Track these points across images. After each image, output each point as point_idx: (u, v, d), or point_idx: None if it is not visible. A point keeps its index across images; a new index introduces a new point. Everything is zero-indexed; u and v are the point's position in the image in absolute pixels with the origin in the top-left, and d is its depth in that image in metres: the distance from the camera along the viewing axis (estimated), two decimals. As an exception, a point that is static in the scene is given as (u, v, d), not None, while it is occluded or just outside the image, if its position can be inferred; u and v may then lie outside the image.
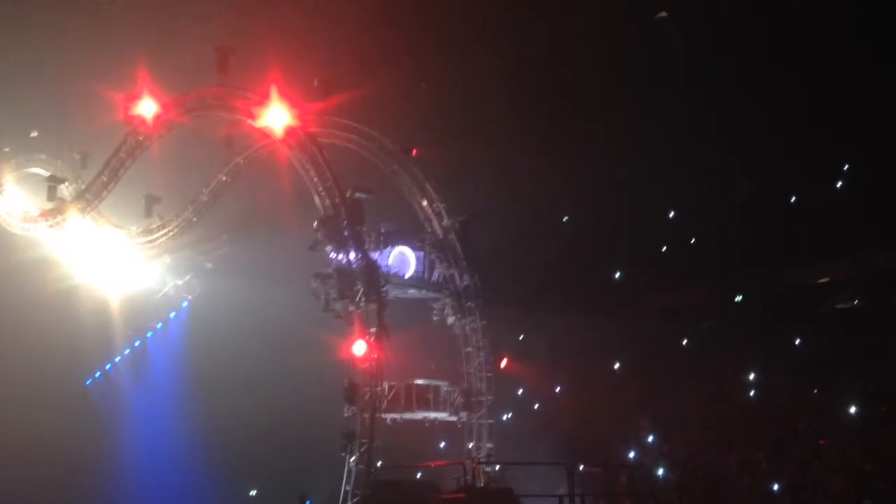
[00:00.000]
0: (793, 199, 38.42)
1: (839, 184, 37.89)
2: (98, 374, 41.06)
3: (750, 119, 36.03)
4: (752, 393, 34.68)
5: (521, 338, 38.05)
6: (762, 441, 31.50)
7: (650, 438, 34.65)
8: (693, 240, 40.87)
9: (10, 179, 37.85)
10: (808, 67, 34.61)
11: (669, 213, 41.55)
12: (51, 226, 36.14)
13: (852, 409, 31.13)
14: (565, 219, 40.95)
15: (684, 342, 38.22)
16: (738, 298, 38.47)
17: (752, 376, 35.00)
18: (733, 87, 36.40)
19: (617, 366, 38.41)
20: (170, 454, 35.77)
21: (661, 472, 32.73)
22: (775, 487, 29.53)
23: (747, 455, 31.33)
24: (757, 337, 35.18)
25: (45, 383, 35.88)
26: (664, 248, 41.20)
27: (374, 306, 28.77)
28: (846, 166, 37.97)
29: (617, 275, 41.74)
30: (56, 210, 36.05)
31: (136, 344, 41.20)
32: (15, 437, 34.23)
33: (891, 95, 32.71)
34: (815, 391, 31.96)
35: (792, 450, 30.52)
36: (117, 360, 41.27)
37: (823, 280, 36.87)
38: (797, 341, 35.27)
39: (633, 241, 39.65)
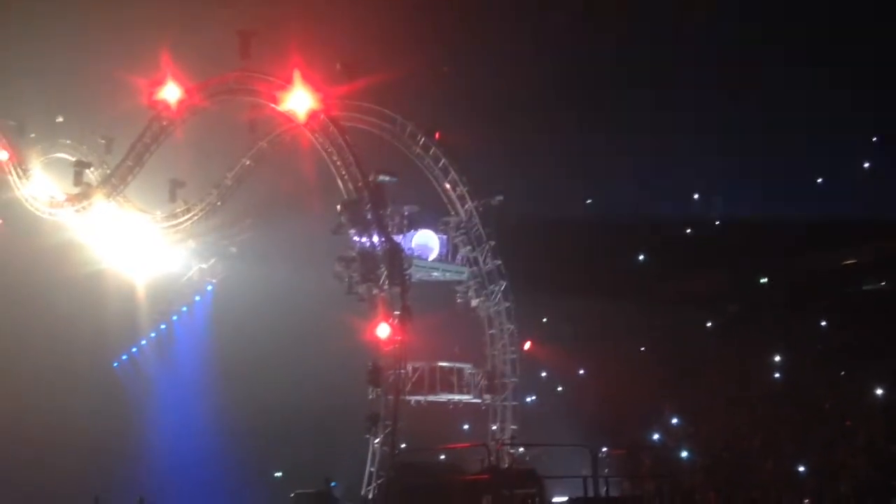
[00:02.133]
0: (819, 180, 38.14)
1: (866, 165, 37.58)
2: (124, 356, 41.39)
3: (775, 102, 35.78)
4: (776, 376, 34.51)
5: (544, 320, 38.00)
6: (786, 423, 31.37)
7: (674, 421, 34.58)
8: (717, 223, 40.69)
9: (36, 165, 38.18)
10: (832, 50, 34.30)
11: (694, 196, 41.38)
12: (77, 210, 36.44)
13: (878, 391, 30.94)
14: (589, 201, 40.77)
15: (708, 325, 38.06)
16: (763, 281, 38.22)
17: (776, 359, 34.82)
18: (757, 71, 36.14)
19: (640, 349, 38.30)
20: (195, 436, 36.05)
21: (684, 454, 32.67)
22: (800, 469, 29.42)
23: (771, 437, 31.22)
24: (782, 320, 34.97)
25: (73, 366, 36.25)
26: (688, 231, 41.03)
27: (397, 289, 28.83)
28: (872, 148, 37.66)
29: (641, 258, 41.62)
30: (82, 195, 36.32)
31: (162, 327, 41.46)
32: (44, 417, 34.63)
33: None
34: (841, 373, 31.73)
35: (816, 432, 30.38)
36: (143, 342, 41.57)
37: (849, 262, 36.57)
38: (822, 324, 35.04)
39: (657, 225, 39.49)
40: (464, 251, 32.03)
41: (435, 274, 32.01)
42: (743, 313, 37.08)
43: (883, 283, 35.43)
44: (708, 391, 34.41)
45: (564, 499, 26.38)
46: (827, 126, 34.92)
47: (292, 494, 28.90)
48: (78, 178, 36.49)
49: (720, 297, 38.06)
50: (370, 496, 27.26)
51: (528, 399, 33.86)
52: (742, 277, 37.97)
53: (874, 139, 37.10)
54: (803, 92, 35.10)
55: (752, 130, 36.55)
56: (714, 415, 33.53)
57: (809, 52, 34.79)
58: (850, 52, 34.13)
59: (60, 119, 38.18)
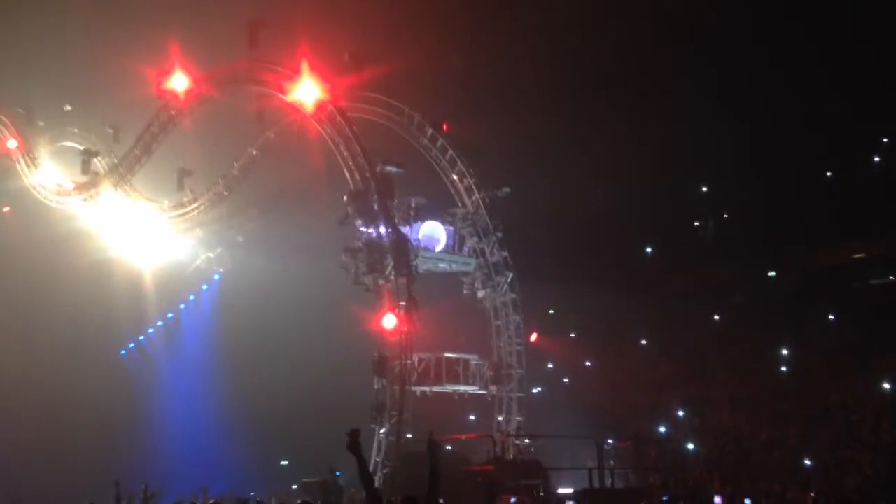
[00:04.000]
0: (827, 173, 37.99)
1: (875, 159, 37.43)
2: (132, 344, 41.50)
3: (782, 95, 35.63)
4: (783, 369, 34.45)
5: (551, 312, 37.99)
6: (793, 417, 31.32)
7: (680, 413, 34.56)
8: (725, 216, 40.59)
9: (44, 153, 38.22)
10: (840, 43, 34.13)
11: (701, 189, 41.25)
12: (85, 199, 36.53)
13: (886, 386, 30.85)
14: (597, 190, 40.62)
15: (716, 318, 37.98)
16: (771, 275, 38.11)
17: (783, 352, 34.75)
18: (765, 63, 35.98)
19: (647, 341, 38.26)
20: (202, 424, 36.14)
21: (690, 446, 32.66)
22: (806, 463, 29.38)
23: (778, 431, 31.17)
24: (789, 313, 34.87)
25: (82, 353, 36.32)
26: (696, 224, 40.95)
27: (403, 280, 28.83)
28: (881, 141, 37.49)
29: (648, 250, 41.56)
30: (90, 183, 36.41)
31: (169, 316, 41.56)
32: (53, 403, 34.75)
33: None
34: (848, 368, 31.63)
35: (823, 426, 30.32)
36: (150, 331, 41.67)
37: (858, 256, 36.43)
38: (830, 318, 34.94)
39: (664, 218, 39.40)
40: (470, 242, 32.03)
41: (441, 265, 32.02)
42: (750, 307, 36.99)
43: (892, 277, 35.29)
44: (714, 384, 34.36)
45: (570, 490, 26.44)
46: (837, 119, 34.73)
47: (298, 484, 29.04)
48: (86, 167, 36.57)
49: (727, 290, 37.97)
50: (376, 485, 27.30)
51: (534, 390, 33.89)
52: (750, 271, 37.87)
53: (882, 133, 36.90)
54: (814, 84, 34.91)
55: (762, 122, 36.38)
56: (720, 408, 33.49)
57: (819, 45, 34.62)
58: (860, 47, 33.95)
59: (69, 108, 38.23)
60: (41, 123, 38.22)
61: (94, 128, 37.21)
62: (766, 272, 38.20)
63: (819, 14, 34.32)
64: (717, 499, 17.06)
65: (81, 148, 37.23)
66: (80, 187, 36.70)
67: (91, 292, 35.95)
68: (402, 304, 28.61)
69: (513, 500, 18.61)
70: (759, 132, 36.45)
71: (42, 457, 32.93)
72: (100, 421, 35.24)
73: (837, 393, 31.04)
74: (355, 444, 9.61)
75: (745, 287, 37.84)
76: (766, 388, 33.21)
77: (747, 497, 18.23)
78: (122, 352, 41.16)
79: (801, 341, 34.39)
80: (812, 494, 18.75)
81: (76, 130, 37.85)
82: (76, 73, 36.04)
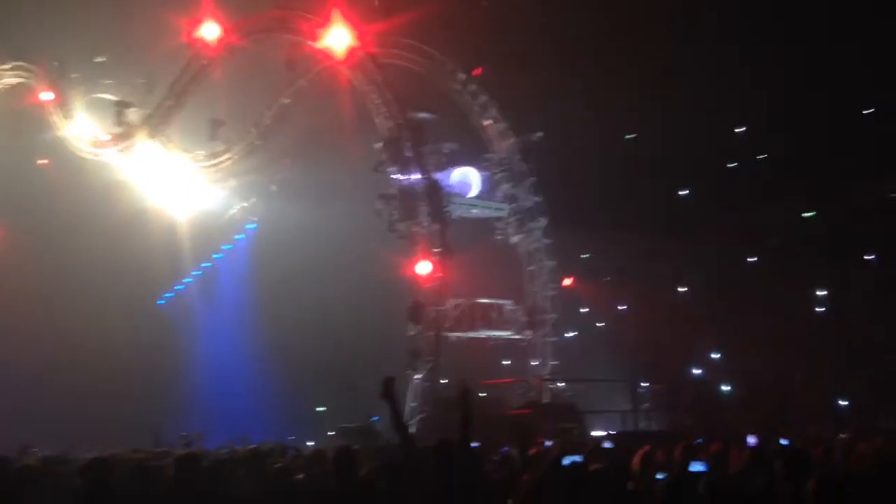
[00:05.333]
0: (866, 111, 37.22)
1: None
2: (170, 294, 41.99)
3: (820, 28, 34.81)
4: (820, 310, 34.19)
5: (584, 256, 37.88)
6: (829, 359, 31.18)
7: (714, 356, 34.51)
8: (763, 156, 39.98)
9: (78, 105, 38.40)
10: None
11: (737, 129, 40.60)
12: (120, 150, 36.75)
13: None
14: (632, 136, 40.22)
15: (751, 260, 37.67)
16: (807, 215, 37.63)
17: (820, 294, 34.45)
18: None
19: (683, 285, 38.08)
20: (240, 372, 36.62)
21: (726, 388, 32.67)
22: (843, 404, 29.32)
23: (815, 372, 31.08)
24: (827, 253, 34.49)
25: (121, 303, 36.87)
26: (732, 165, 40.40)
27: (437, 227, 28.90)
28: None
29: (683, 193, 41.12)
30: (124, 135, 36.60)
31: (206, 265, 41.93)
32: (94, 352, 35.34)
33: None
34: (887, 307, 31.32)
35: (861, 367, 30.18)
36: (188, 280, 42.12)
37: (897, 195, 35.83)
38: (870, 257, 34.53)
39: (699, 158, 38.89)
40: (503, 188, 31.97)
41: (475, 211, 32.05)
42: (787, 247, 36.63)
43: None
44: (749, 326, 34.19)
45: (604, 433, 26.62)
46: (873, 55, 33.91)
47: (335, 429, 29.43)
48: (120, 119, 36.72)
49: (762, 232, 37.59)
50: (411, 431, 27.65)
51: (568, 335, 33.97)
52: (787, 212, 37.42)
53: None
54: (850, 21, 34.08)
55: (796, 59, 35.61)
56: (755, 350, 33.37)
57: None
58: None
59: (101, 59, 38.28)
60: (74, 75, 38.30)
61: (127, 79, 37.26)
62: (803, 212, 37.74)
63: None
64: (750, 439, 17.05)
65: (115, 99, 37.34)
66: (115, 138, 36.91)
67: (128, 243, 36.33)
68: (437, 250, 28.72)
69: (548, 443, 18.76)
70: (796, 71, 35.71)
71: (83, 405, 33.58)
72: (140, 370, 35.85)
73: (877, 334, 30.81)
74: (390, 391, 9.72)
75: (783, 228, 37.43)
76: (802, 330, 33.03)
77: (783, 438, 18.22)
78: (161, 301, 41.67)
79: (839, 282, 34.08)
80: (843, 436, 18.72)
81: (109, 82, 37.91)
82: (107, 25, 36.02)
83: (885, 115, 35.90)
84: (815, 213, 37.42)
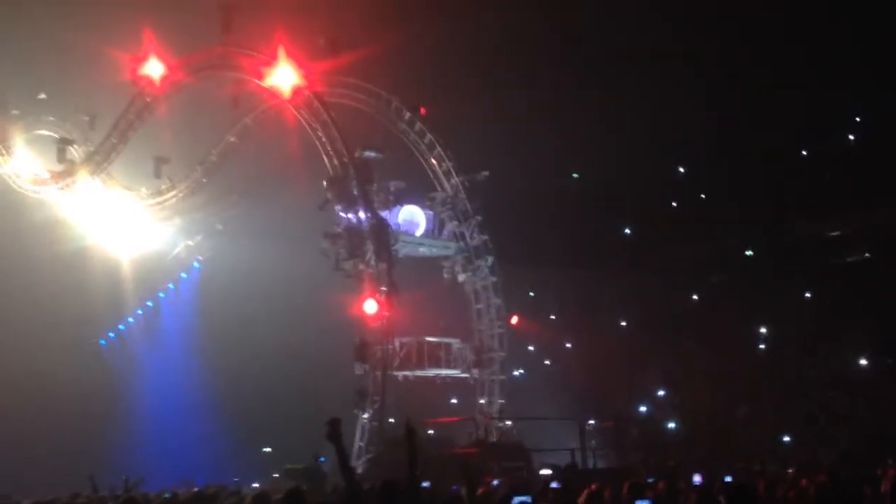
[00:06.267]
0: (803, 152, 38.17)
1: (851, 137, 37.62)
2: (111, 334, 41.30)
3: (759, 72, 35.69)
4: (760, 347, 34.77)
5: (531, 294, 38.12)
6: (770, 394, 31.66)
7: (660, 392, 34.84)
8: (702, 195, 40.71)
9: (19, 142, 37.80)
10: (818, 21, 34.20)
11: (678, 168, 41.35)
12: (61, 188, 36.24)
13: (861, 362, 31.22)
14: (576, 175, 40.77)
15: (694, 298, 38.24)
16: (748, 253, 38.37)
17: (760, 330, 35.06)
18: (743, 41, 36.02)
19: (626, 322, 38.49)
20: (183, 412, 36.06)
21: (671, 425, 32.96)
22: (785, 439, 29.74)
23: (755, 407, 31.51)
24: (766, 291, 35.15)
25: (61, 342, 36.11)
26: (673, 204, 41.06)
27: (384, 265, 28.89)
28: (857, 119, 37.68)
29: (626, 231, 41.68)
30: (66, 172, 36.12)
31: (149, 304, 41.39)
32: (31, 392, 34.53)
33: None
34: (824, 345, 31.98)
35: (800, 402, 30.68)
36: (130, 320, 41.49)
37: (834, 234, 36.73)
38: (807, 295, 35.26)
39: (641, 197, 39.51)
40: (450, 226, 32.10)
41: (422, 249, 32.09)
42: (728, 285, 37.25)
43: (867, 255, 35.61)
44: (692, 363, 34.61)
45: (552, 472, 26.60)
46: (813, 97, 34.83)
47: (280, 471, 29.01)
48: (62, 156, 36.24)
49: (705, 269, 38.21)
50: (359, 471, 27.41)
51: (516, 373, 34.05)
52: (727, 249, 38.11)
53: (859, 111, 37.06)
54: (789, 61, 34.99)
55: (736, 101, 36.44)
56: (698, 386, 33.76)
57: (796, 24, 34.68)
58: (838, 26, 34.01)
59: (43, 96, 37.80)
60: (15, 112, 37.79)
61: (69, 116, 36.85)
62: (744, 251, 38.47)
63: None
64: (696, 477, 17.22)
65: (57, 136, 36.89)
66: (57, 176, 36.41)
67: (69, 281, 35.71)
68: (383, 289, 28.68)
69: (496, 482, 18.74)
70: (735, 111, 36.49)
71: (20, 447, 32.76)
72: (79, 410, 35.06)
73: (814, 369, 31.40)
74: (335, 433, 9.65)
75: (723, 266, 38.08)
76: (743, 365, 33.53)
77: (727, 475, 18.43)
78: (102, 341, 40.95)
79: (778, 319, 34.70)
80: (790, 470, 18.99)
81: (51, 119, 37.46)
82: (50, 61, 35.66)
83: (821, 157, 36.92)
84: (753, 251, 38.22)
